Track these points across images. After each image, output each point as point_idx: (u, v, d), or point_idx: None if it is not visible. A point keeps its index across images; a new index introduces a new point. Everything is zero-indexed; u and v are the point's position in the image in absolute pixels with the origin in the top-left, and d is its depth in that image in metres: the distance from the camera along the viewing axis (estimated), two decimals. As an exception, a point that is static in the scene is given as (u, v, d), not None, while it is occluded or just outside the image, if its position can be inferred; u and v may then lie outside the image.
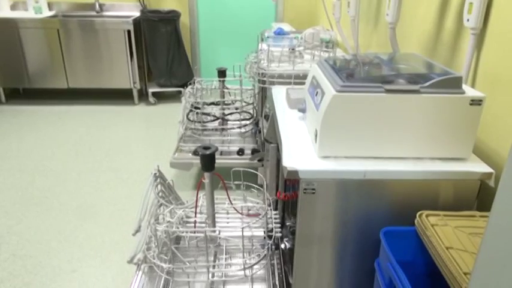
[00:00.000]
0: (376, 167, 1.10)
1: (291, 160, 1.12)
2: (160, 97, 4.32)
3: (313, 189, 1.10)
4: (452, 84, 1.08)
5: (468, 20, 1.28)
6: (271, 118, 1.67)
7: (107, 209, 2.34)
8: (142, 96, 4.32)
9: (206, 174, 1.38)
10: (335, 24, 2.69)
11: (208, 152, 1.34)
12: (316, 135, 1.15)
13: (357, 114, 1.09)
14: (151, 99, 4.16)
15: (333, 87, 1.09)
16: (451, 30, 1.47)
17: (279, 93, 1.71)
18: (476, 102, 1.08)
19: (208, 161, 1.34)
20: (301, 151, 1.18)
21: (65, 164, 2.86)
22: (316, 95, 1.23)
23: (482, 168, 1.11)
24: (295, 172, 1.08)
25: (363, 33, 2.41)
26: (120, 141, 3.25)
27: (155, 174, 1.55)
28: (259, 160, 2.39)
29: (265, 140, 1.73)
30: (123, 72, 3.96)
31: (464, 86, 1.11)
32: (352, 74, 1.19)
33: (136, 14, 4.12)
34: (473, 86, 1.33)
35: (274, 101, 1.64)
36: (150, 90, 4.15)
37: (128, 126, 3.56)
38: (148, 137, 3.34)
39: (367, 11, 2.38)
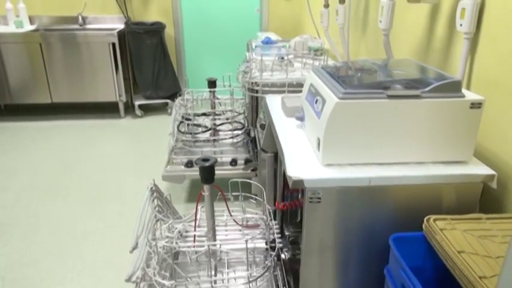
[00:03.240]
0: (380, 173, 1.09)
1: (295, 169, 1.11)
2: (147, 109, 4.27)
3: (319, 198, 1.08)
4: (452, 88, 1.09)
5: (461, 24, 1.30)
6: (267, 127, 1.66)
7: (99, 226, 2.28)
8: (129, 109, 4.26)
9: (206, 187, 1.35)
10: (323, 32, 2.71)
11: (207, 163, 1.31)
12: (318, 143, 1.14)
13: (359, 121, 1.08)
14: (138, 111, 4.11)
15: (334, 94, 1.09)
16: (443, 35, 1.49)
17: (273, 102, 1.70)
18: (476, 105, 1.09)
19: (207, 173, 1.32)
20: (304, 160, 1.17)
21: (51, 181, 2.78)
22: (315, 102, 1.22)
23: (484, 170, 1.12)
24: (301, 181, 1.06)
25: (352, 40, 2.43)
26: (108, 155, 3.18)
27: (151, 188, 1.51)
28: (252, 170, 2.37)
29: (262, 150, 1.71)
30: (108, 85, 3.90)
31: (463, 90, 1.12)
32: (351, 80, 1.19)
33: (120, 26, 4.08)
34: (468, 89, 1.35)
35: (270, 110, 1.63)
36: (137, 102, 4.10)
37: (115, 140, 3.49)
38: (137, 150, 3.29)
39: (354, 18, 2.40)
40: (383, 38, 1.60)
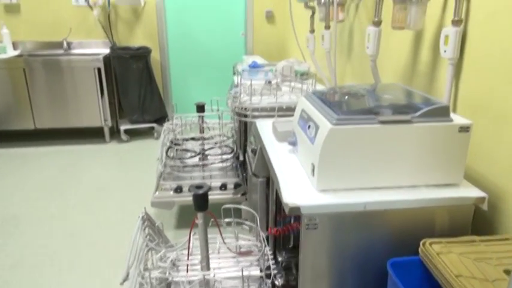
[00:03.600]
0: (375, 197, 1.10)
1: (291, 196, 1.11)
2: (132, 134, 4.24)
3: (316, 224, 1.08)
4: (441, 113, 1.12)
5: (445, 51, 1.34)
6: (259, 152, 1.66)
7: (86, 256, 2.22)
8: (114, 133, 4.22)
9: (199, 215, 1.33)
10: (309, 56, 2.76)
11: (201, 191, 1.30)
12: (313, 169, 1.15)
13: (352, 146, 1.10)
14: (123, 136, 4.07)
15: (328, 120, 1.10)
16: (427, 60, 1.54)
17: (264, 127, 1.71)
18: (464, 129, 1.12)
19: (201, 200, 1.31)
20: (299, 185, 1.17)
21: (34, 210, 2.71)
22: (308, 128, 1.23)
23: (475, 193, 1.14)
24: (297, 208, 1.06)
25: (338, 64, 2.49)
26: (94, 182, 3.13)
27: (143, 217, 1.49)
28: (242, 194, 2.36)
29: (254, 175, 1.71)
30: (93, 110, 3.87)
31: (451, 114, 1.15)
32: (343, 106, 1.21)
33: (105, 51, 4.08)
34: (454, 112, 1.39)
35: (261, 135, 1.63)
36: (122, 127, 4.07)
37: (101, 166, 3.44)
38: (124, 175, 3.24)
39: (339, 43, 2.47)
40: (370, 64, 1.65)
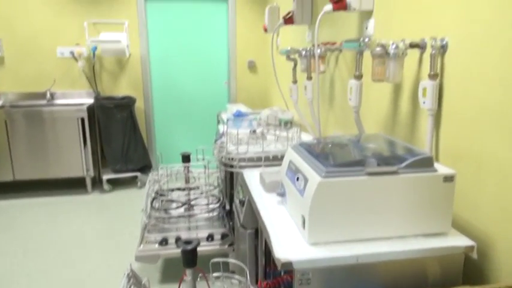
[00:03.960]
0: (366, 250, 1.10)
1: (282, 250, 1.09)
2: (115, 183, 4.17)
3: (309, 279, 1.07)
4: (425, 163, 1.15)
5: (424, 102, 1.41)
6: (247, 203, 1.65)
7: (64, 315, 2.10)
8: (96, 183, 4.15)
9: (188, 271, 1.30)
10: (292, 105, 2.83)
11: (189, 247, 1.28)
12: (304, 222, 1.14)
13: (341, 198, 1.11)
14: (106, 186, 3.99)
15: (316, 173, 1.12)
16: (407, 110, 1.60)
17: (252, 178, 1.72)
18: (448, 179, 1.15)
19: (190, 256, 1.28)
20: (290, 239, 1.16)
21: (11, 266, 2.58)
22: (297, 180, 1.24)
23: (463, 241, 1.15)
24: (289, 263, 1.05)
25: (320, 113, 2.56)
26: (75, 235, 3.02)
27: (128, 274, 1.44)
28: (230, 245, 2.31)
29: (242, 226, 1.69)
30: (75, 160, 3.81)
31: (435, 164, 1.18)
32: (330, 158, 1.23)
33: (89, 101, 4.10)
34: (437, 161, 1.43)
35: (249, 185, 1.64)
36: (105, 177, 4.00)
37: (82, 218, 3.34)
38: (106, 228, 3.15)
39: (321, 93, 2.55)
40: (354, 115, 1.70)
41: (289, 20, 2.68)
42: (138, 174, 4.11)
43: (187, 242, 1.28)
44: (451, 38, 1.32)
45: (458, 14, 1.29)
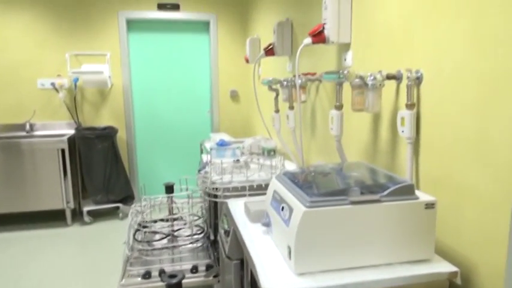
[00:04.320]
0: (353, 278, 1.11)
1: (269, 281, 1.09)
2: (96, 215, 4.08)
3: (296, 311, 1.06)
4: (407, 191, 1.18)
5: (403, 131, 1.45)
6: (232, 233, 1.65)
7: None
8: (76, 215, 4.04)
9: (173, 306, 1.27)
10: (275, 134, 2.86)
11: (174, 280, 1.26)
12: (289, 252, 1.15)
13: (326, 228, 1.12)
14: (86, 218, 3.90)
15: (301, 203, 1.13)
16: (387, 138, 1.65)
17: (236, 207, 1.72)
18: (430, 205, 1.18)
19: (175, 290, 1.25)
20: (276, 269, 1.16)
21: (-14, 306, 2.47)
22: (282, 210, 1.25)
23: (447, 267, 1.17)
24: (277, 295, 1.04)
25: (303, 141, 2.60)
26: (54, 270, 2.92)
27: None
28: (214, 276, 2.27)
29: (227, 257, 1.67)
30: (55, 192, 3.73)
31: (416, 192, 1.21)
32: (314, 187, 1.25)
33: (70, 131, 4.05)
34: (418, 189, 1.46)
35: (234, 216, 1.63)
36: (85, 208, 3.91)
37: (62, 252, 3.24)
38: (87, 261, 3.05)
39: (303, 121, 2.60)
40: (336, 144, 1.74)
41: (269, 51, 2.76)
42: (120, 205, 4.04)
43: (172, 276, 1.26)
44: (426, 69, 1.39)
45: (431, 48, 1.35)
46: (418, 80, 1.42)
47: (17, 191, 3.66)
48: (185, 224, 2.54)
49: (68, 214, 3.84)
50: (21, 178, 3.66)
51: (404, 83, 1.50)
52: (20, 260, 3.09)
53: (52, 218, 4.00)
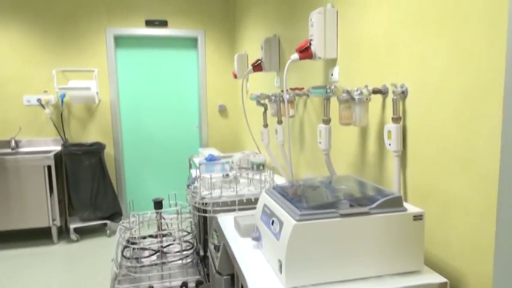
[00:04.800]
0: (343, 291, 1.11)
1: (261, 296, 1.09)
2: (83, 232, 4.01)
3: (288, 325, 1.05)
4: (395, 203, 1.20)
5: (390, 144, 1.48)
6: (222, 249, 1.64)
7: None
8: (63, 233, 3.97)
9: (163, 323, 1.25)
10: (264, 148, 2.88)
11: (165, 297, 1.24)
12: (280, 266, 1.15)
13: (316, 241, 1.13)
14: (73, 235, 3.83)
15: (291, 216, 1.14)
16: (375, 151, 1.67)
17: (226, 222, 1.71)
18: (418, 217, 1.19)
19: (165, 307, 1.24)
20: (267, 284, 1.16)
21: (-33, 329, 2.39)
22: (272, 223, 1.26)
23: (437, 279, 1.18)
24: (268, 310, 1.04)
25: (292, 155, 2.61)
26: (39, 290, 2.85)
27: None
28: (205, 293, 2.25)
29: (218, 273, 1.66)
30: (40, 210, 3.66)
31: (404, 204, 1.23)
32: (304, 200, 1.26)
33: (56, 148, 4.01)
34: (406, 201, 1.48)
35: (224, 231, 1.63)
36: (72, 225, 3.85)
37: (48, 271, 3.16)
38: (74, 280, 2.99)
39: (291, 135, 2.62)
40: (324, 157, 1.76)
41: (257, 67, 2.79)
42: (107, 222, 3.98)
43: (163, 293, 1.25)
44: (410, 84, 1.42)
45: (415, 62, 1.39)
46: (404, 94, 1.45)
47: (1, 208, 3.59)
48: (174, 240, 2.51)
49: (54, 232, 3.77)
50: (6, 195, 3.59)
51: (390, 97, 1.53)
52: (5, 279, 3.01)
53: (38, 236, 3.92)
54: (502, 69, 1.05)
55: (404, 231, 1.19)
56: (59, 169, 3.85)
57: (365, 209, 1.17)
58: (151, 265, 2.42)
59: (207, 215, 2.06)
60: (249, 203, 2.06)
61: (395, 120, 1.45)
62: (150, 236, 2.52)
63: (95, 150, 3.90)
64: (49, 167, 3.65)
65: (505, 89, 0.92)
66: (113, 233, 4.01)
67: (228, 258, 1.62)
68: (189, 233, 2.48)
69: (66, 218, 4.02)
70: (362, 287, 1.13)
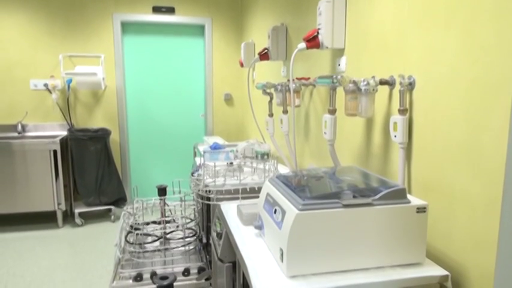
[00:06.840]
0: (345, 281, 1.11)
1: (261, 284, 1.09)
2: (88, 217, 4.05)
3: (288, 313, 1.06)
4: (399, 195, 1.20)
5: (395, 136, 1.47)
6: (224, 236, 1.64)
7: None
8: (68, 217, 4.01)
9: (165, 308, 1.26)
10: (268, 137, 2.87)
11: (166, 282, 1.25)
12: (282, 255, 1.15)
13: (318, 231, 1.13)
14: (78, 220, 3.87)
15: (294, 206, 1.14)
16: (380, 143, 1.66)
17: (229, 210, 1.72)
18: (421, 209, 1.19)
19: (167, 292, 1.25)
20: (268, 272, 1.16)
21: (-27, 308, 2.43)
22: (275, 212, 1.26)
23: (438, 271, 1.18)
24: (269, 297, 1.05)
25: (296, 145, 2.61)
26: (44, 272, 2.89)
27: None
28: (206, 279, 2.27)
29: (220, 260, 1.67)
30: (46, 194, 3.69)
31: (408, 196, 1.22)
32: (307, 191, 1.26)
33: (62, 133, 4.03)
34: (410, 193, 1.47)
35: (226, 218, 1.63)
36: (77, 210, 3.88)
37: (52, 254, 3.21)
38: (78, 263, 3.03)
39: (297, 126, 2.61)
40: (329, 148, 1.75)
41: (264, 56, 2.77)
42: (112, 207, 4.01)
43: (163, 278, 1.26)
44: (418, 75, 1.40)
45: (424, 54, 1.37)
46: (411, 85, 1.43)
47: (7, 192, 3.63)
48: (177, 227, 2.53)
49: (59, 216, 3.81)
50: (12, 179, 3.62)
51: (397, 88, 1.52)
52: (10, 261, 3.06)
53: (43, 219, 3.97)
54: (511, 63, 1.04)
55: (407, 223, 1.18)
56: (64, 154, 3.87)
57: (368, 200, 1.16)
58: (154, 251, 2.44)
59: (210, 202, 2.07)
60: (253, 192, 2.07)
61: (402, 112, 1.43)
62: (154, 222, 2.54)
63: (101, 136, 3.91)
64: (55, 152, 3.67)
65: (514, 81, 0.90)
66: (117, 218, 4.05)
67: (230, 245, 1.63)
68: (192, 220, 2.50)
69: (71, 202, 4.05)
70: (363, 278, 1.13)
